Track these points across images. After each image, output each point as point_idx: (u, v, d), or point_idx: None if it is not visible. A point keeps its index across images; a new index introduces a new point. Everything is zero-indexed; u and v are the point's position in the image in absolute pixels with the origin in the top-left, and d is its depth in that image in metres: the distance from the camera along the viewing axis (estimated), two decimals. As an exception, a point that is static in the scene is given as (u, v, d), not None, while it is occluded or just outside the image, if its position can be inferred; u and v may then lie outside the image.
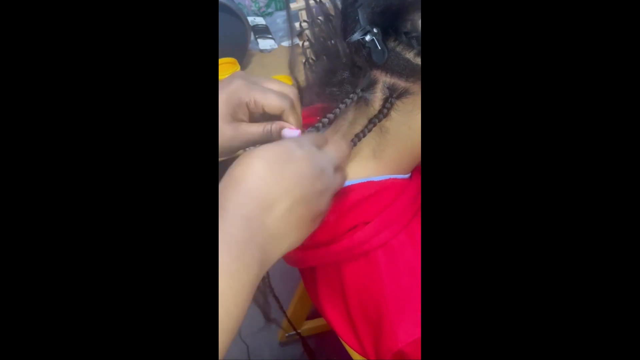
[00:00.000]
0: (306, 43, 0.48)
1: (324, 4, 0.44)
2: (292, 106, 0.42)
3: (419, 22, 0.39)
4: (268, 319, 0.53)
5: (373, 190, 0.45)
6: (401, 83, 0.41)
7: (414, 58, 0.40)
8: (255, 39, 1.24)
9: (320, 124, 0.43)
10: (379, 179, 0.46)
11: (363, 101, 0.43)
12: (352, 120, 0.46)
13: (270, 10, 1.38)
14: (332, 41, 0.43)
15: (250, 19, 1.26)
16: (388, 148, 0.45)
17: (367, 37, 0.39)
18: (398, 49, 0.40)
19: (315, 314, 1.18)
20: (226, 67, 1.04)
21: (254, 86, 0.42)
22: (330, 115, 0.42)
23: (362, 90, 0.42)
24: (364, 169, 0.47)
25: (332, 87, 0.43)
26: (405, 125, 0.43)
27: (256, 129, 0.42)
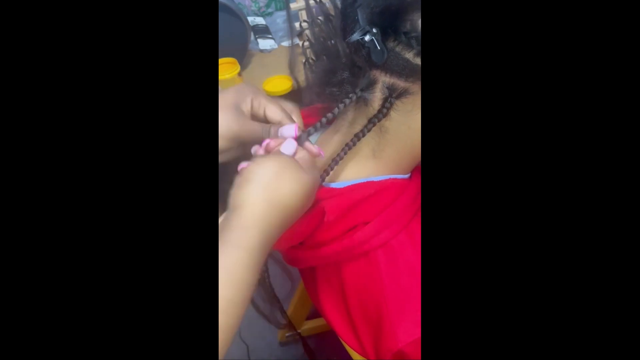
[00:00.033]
0: (306, 43, 0.48)
1: (324, 4, 0.44)
2: (291, 119, 0.44)
3: (419, 22, 0.39)
4: (270, 321, 0.54)
5: (373, 190, 0.45)
6: (400, 83, 0.41)
7: (413, 58, 0.40)
8: (255, 39, 1.24)
9: (319, 124, 0.43)
10: (378, 179, 0.46)
11: (362, 101, 0.43)
12: (351, 120, 0.46)
13: (270, 10, 1.38)
14: (332, 41, 0.43)
15: (250, 19, 1.26)
16: (388, 148, 0.45)
17: (367, 37, 0.39)
18: (397, 49, 0.40)
19: (315, 314, 1.18)
20: (226, 67, 1.04)
21: (262, 93, 0.44)
22: (329, 115, 0.42)
23: (362, 90, 0.42)
24: (364, 169, 0.47)
25: (332, 87, 0.43)
26: (405, 125, 0.43)
27: (257, 127, 0.42)
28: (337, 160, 0.44)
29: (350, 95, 0.41)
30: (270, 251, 0.37)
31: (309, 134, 0.43)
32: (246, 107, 0.43)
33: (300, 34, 1.11)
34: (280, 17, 1.36)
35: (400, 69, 0.40)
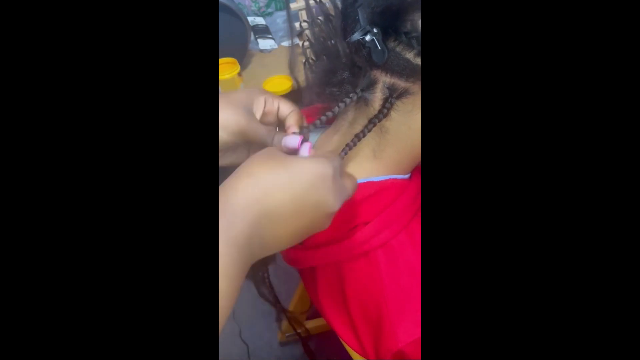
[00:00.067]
0: (306, 43, 0.48)
1: (324, 4, 0.44)
2: (300, 115, 0.44)
3: (419, 22, 0.39)
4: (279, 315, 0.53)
5: (373, 191, 0.45)
6: (401, 83, 0.41)
7: (413, 58, 0.40)
8: (255, 39, 1.24)
9: (318, 122, 0.43)
10: (378, 179, 0.46)
11: (363, 101, 0.43)
12: (352, 120, 0.46)
13: (270, 10, 1.38)
14: (332, 41, 0.43)
15: (250, 19, 1.26)
16: (388, 148, 0.45)
17: (367, 37, 0.39)
18: (398, 49, 0.40)
19: (315, 314, 1.18)
20: (226, 67, 1.04)
21: (274, 95, 0.45)
22: (329, 113, 0.42)
23: (362, 90, 0.42)
24: (364, 169, 0.47)
25: (332, 87, 0.43)
26: (405, 125, 0.43)
27: (263, 130, 0.42)
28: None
29: (351, 95, 0.41)
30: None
31: (309, 131, 0.43)
32: (259, 107, 0.43)
33: (300, 34, 1.11)
34: (280, 17, 1.36)
35: (401, 69, 0.40)
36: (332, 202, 0.35)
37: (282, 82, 1.07)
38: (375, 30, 0.39)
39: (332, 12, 0.43)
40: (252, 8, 1.36)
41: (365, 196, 0.45)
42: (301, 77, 0.49)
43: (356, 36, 0.39)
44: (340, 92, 0.42)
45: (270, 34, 1.27)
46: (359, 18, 0.39)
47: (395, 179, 0.47)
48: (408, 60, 0.40)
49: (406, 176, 0.49)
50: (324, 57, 0.45)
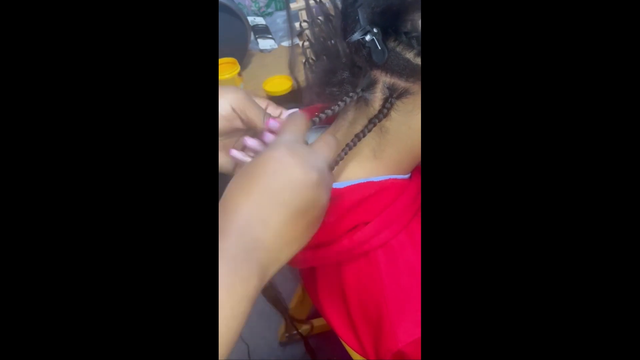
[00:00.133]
0: (306, 43, 0.48)
1: (324, 4, 0.44)
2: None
3: (419, 22, 0.39)
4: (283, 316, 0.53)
5: (373, 191, 0.45)
6: (401, 83, 0.41)
7: (414, 58, 0.40)
8: (255, 39, 1.24)
9: (317, 119, 0.43)
10: (378, 179, 0.46)
11: (363, 101, 0.43)
12: (352, 120, 0.46)
13: (270, 10, 1.38)
14: (332, 41, 0.43)
15: (250, 19, 1.26)
16: (388, 148, 0.45)
17: (367, 37, 0.39)
18: (398, 49, 0.40)
19: (315, 314, 1.18)
20: (226, 67, 1.04)
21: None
22: (328, 112, 0.42)
23: (362, 90, 0.42)
24: (364, 170, 0.47)
25: (332, 87, 0.43)
26: (405, 125, 0.43)
27: (260, 115, 0.43)
28: (337, 160, 0.44)
29: (351, 95, 0.41)
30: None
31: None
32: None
33: (300, 34, 1.11)
34: (280, 17, 1.36)
35: (401, 69, 0.40)
36: (324, 200, 0.36)
37: (282, 82, 1.07)
38: (375, 30, 0.39)
39: (332, 12, 0.43)
40: (252, 8, 1.36)
41: (365, 196, 0.45)
42: (301, 77, 0.49)
43: (356, 36, 0.39)
44: (340, 92, 0.42)
45: (270, 34, 1.27)
46: (359, 18, 0.39)
47: (395, 179, 0.47)
48: (408, 60, 0.40)
49: (406, 176, 0.49)
50: (324, 57, 0.45)
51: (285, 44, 1.24)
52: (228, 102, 0.43)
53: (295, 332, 0.76)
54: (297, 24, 1.09)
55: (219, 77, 1.01)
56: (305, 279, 0.60)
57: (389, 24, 0.39)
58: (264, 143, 0.42)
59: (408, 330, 0.43)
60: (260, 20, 1.32)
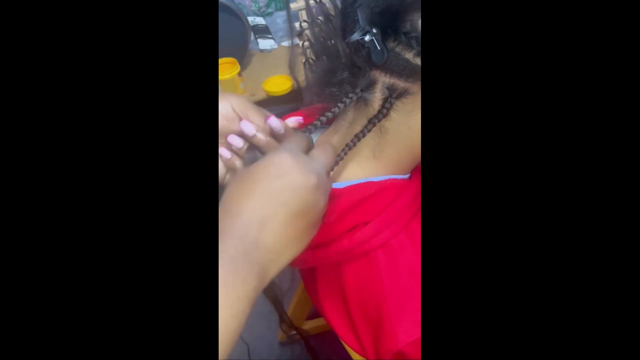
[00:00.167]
0: (306, 43, 0.48)
1: (324, 4, 0.44)
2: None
3: (419, 22, 0.39)
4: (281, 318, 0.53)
5: (373, 191, 0.45)
6: (400, 83, 0.41)
7: (413, 58, 0.40)
8: (255, 39, 1.24)
9: (318, 122, 0.43)
10: (378, 179, 0.46)
11: (362, 101, 0.43)
12: (351, 120, 0.46)
13: (270, 10, 1.38)
14: (332, 41, 0.43)
15: (250, 19, 1.26)
16: (388, 148, 0.45)
17: (367, 37, 0.39)
18: (397, 49, 0.40)
19: (315, 314, 1.18)
20: (226, 67, 1.04)
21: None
22: (328, 114, 0.42)
23: (362, 90, 0.42)
24: (364, 170, 0.47)
25: (331, 87, 0.43)
26: (405, 126, 0.43)
27: (262, 116, 0.44)
28: (337, 160, 0.45)
29: (350, 95, 0.42)
30: None
31: (310, 133, 0.43)
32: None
33: (300, 34, 1.11)
34: (280, 17, 1.36)
35: (400, 69, 0.40)
36: (322, 203, 0.37)
37: (282, 82, 1.08)
38: (374, 30, 0.39)
39: (332, 12, 0.43)
40: (252, 8, 1.36)
41: (365, 196, 0.45)
42: (301, 77, 0.49)
43: (355, 36, 0.39)
44: (340, 92, 0.42)
45: (270, 34, 1.27)
46: (358, 18, 0.39)
47: (395, 179, 0.47)
48: (407, 61, 0.40)
49: (406, 176, 0.49)
50: (324, 57, 0.45)
51: (285, 44, 1.24)
52: (229, 103, 0.43)
53: (294, 332, 0.76)
54: (297, 24, 1.09)
55: (219, 77, 1.01)
56: (305, 279, 0.60)
57: (389, 24, 0.39)
58: (263, 139, 0.43)
59: (408, 330, 0.43)
60: (260, 20, 1.32)
